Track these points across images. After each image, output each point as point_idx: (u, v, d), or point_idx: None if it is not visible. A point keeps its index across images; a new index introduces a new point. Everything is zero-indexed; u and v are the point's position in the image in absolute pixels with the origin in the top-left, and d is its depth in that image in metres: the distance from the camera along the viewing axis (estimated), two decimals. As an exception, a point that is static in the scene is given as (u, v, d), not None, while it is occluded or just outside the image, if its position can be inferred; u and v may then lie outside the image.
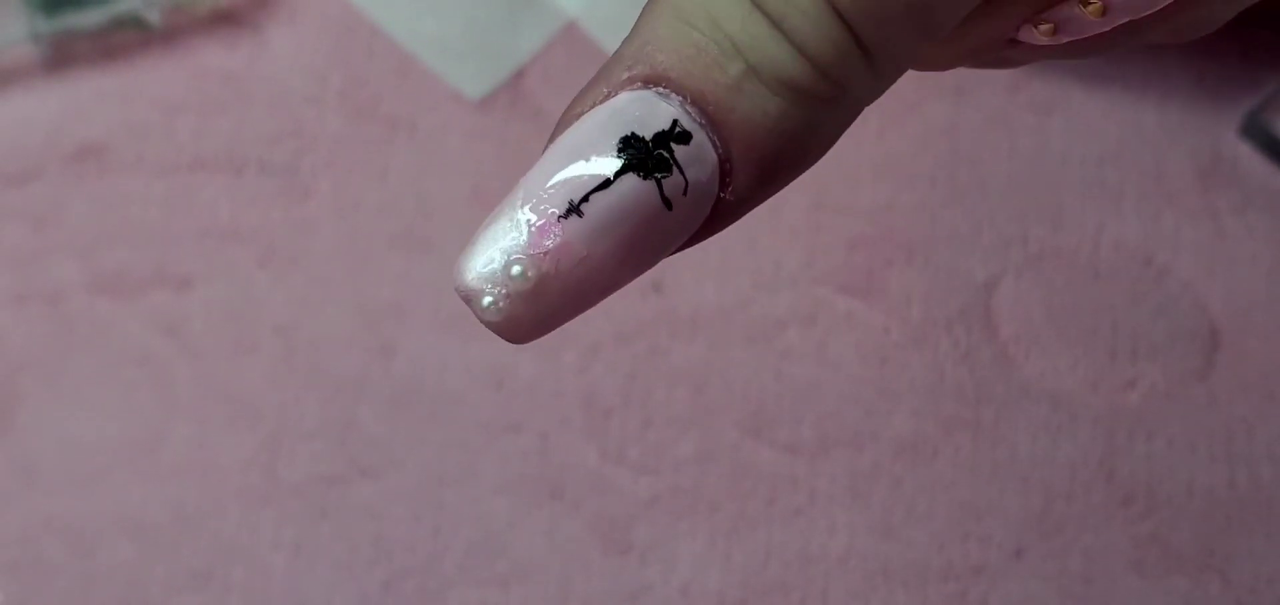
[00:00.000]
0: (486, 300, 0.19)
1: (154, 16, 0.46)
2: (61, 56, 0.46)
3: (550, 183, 0.19)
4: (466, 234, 0.46)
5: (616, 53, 0.20)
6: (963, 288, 0.42)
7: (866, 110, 0.21)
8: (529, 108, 0.45)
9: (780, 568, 0.39)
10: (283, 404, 0.41)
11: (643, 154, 0.19)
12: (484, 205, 0.44)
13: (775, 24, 0.19)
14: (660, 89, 0.19)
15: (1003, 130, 0.45)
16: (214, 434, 0.40)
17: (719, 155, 0.19)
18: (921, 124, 0.45)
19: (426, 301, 0.42)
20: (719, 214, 0.20)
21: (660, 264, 0.20)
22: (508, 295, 0.19)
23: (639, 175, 0.19)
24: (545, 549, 0.39)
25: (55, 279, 0.42)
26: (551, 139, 0.20)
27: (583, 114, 0.20)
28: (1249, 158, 0.44)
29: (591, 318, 0.21)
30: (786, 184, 0.20)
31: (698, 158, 0.19)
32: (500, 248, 0.19)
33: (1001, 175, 0.44)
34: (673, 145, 0.19)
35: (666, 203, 0.19)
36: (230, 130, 0.45)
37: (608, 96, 0.20)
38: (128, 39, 0.46)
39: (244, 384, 0.41)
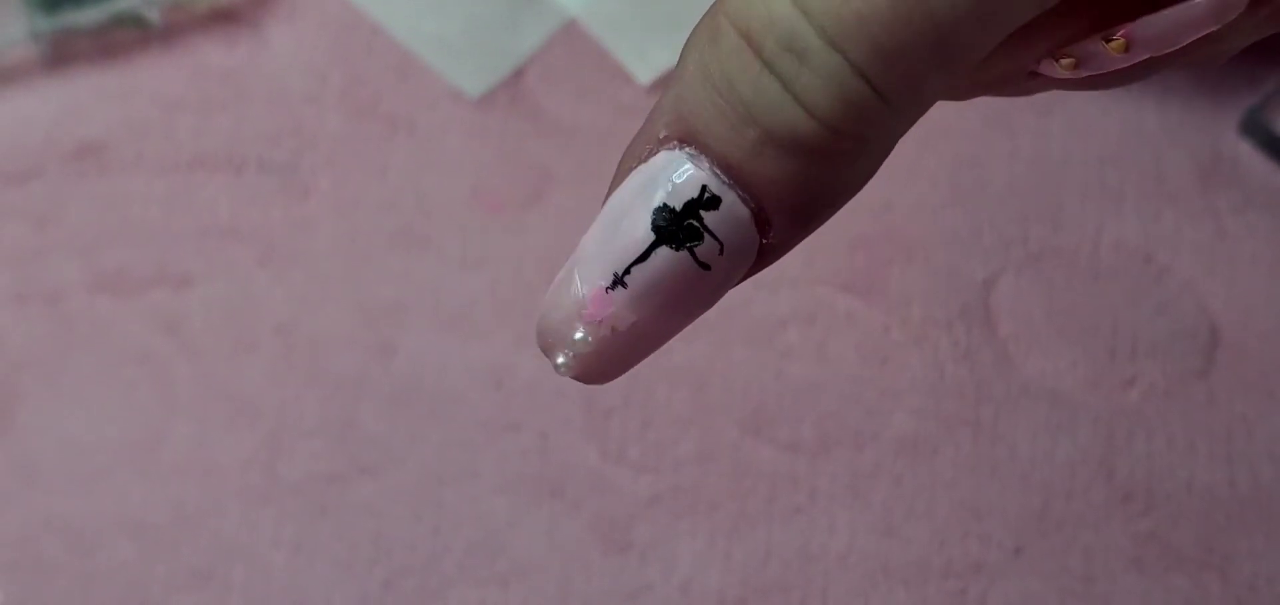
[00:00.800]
0: (560, 358, 0.21)
1: (153, 15, 0.46)
2: (61, 55, 0.46)
3: (597, 255, 0.20)
4: (466, 233, 0.46)
5: (662, 96, 0.20)
6: (963, 287, 0.42)
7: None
8: (529, 106, 0.45)
9: (780, 566, 0.39)
10: (283, 403, 0.41)
11: (672, 226, 0.20)
12: (483, 203, 0.44)
13: (786, 86, 0.19)
14: (691, 150, 0.20)
15: (1003, 130, 0.45)
16: (214, 433, 0.40)
17: (753, 209, 0.20)
18: (922, 124, 0.45)
19: (426, 300, 0.42)
20: (766, 254, 0.21)
21: None
22: (575, 355, 0.21)
23: (671, 247, 0.20)
24: (545, 548, 0.39)
25: (55, 278, 0.42)
26: (608, 193, 0.21)
27: (630, 170, 0.20)
28: (1249, 157, 0.44)
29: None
30: (829, 218, 0.21)
31: (730, 218, 0.20)
32: (562, 314, 0.21)
33: (1001, 175, 0.44)
34: (702, 211, 0.20)
35: (703, 265, 0.20)
36: (230, 129, 0.45)
37: (649, 154, 0.20)
38: (127, 37, 0.46)
39: (244, 383, 0.41)
